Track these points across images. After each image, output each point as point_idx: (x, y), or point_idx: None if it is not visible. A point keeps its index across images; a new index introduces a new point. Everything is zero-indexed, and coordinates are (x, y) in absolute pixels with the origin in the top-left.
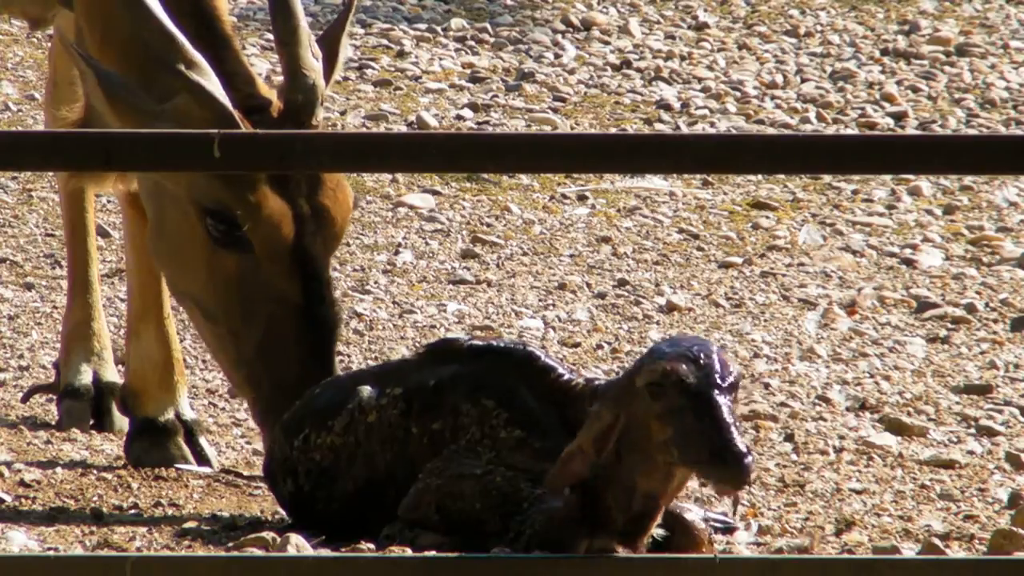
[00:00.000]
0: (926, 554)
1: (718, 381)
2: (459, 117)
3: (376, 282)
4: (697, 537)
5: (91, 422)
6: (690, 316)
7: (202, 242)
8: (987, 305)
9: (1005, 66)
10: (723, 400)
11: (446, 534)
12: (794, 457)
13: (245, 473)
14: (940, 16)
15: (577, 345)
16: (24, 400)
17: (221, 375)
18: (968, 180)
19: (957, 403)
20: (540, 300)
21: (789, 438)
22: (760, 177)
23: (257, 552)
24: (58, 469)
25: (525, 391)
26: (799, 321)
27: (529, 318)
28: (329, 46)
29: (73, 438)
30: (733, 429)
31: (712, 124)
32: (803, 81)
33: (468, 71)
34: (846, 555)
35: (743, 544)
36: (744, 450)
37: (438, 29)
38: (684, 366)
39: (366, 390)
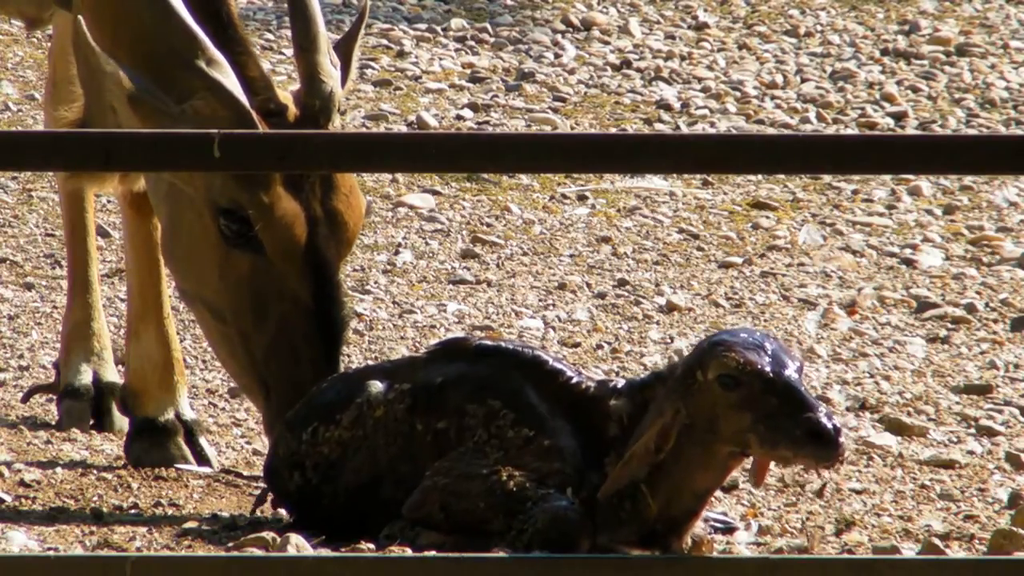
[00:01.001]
0: (926, 554)
1: (790, 364)
2: (459, 117)
3: (376, 282)
4: (697, 537)
5: (91, 422)
6: (690, 316)
7: (215, 243)
8: (987, 305)
9: (1005, 66)
10: (801, 381)
11: (450, 533)
12: None
13: (245, 473)
14: (940, 16)
15: (577, 345)
16: (24, 400)
17: (221, 375)
18: (968, 180)
19: (957, 403)
20: (540, 300)
21: None
22: (760, 177)
23: (257, 552)
24: (58, 469)
25: (532, 392)
26: (799, 321)
27: (529, 318)
28: (344, 53)
29: (73, 438)
30: (821, 407)
31: (712, 124)
32: (803, 81)
33: (468, 71)
34: (846, 555)
35: (743, 544)
36: (838, 426)
37: (438, 29)
38: (755, 354)
39: (376, 385)
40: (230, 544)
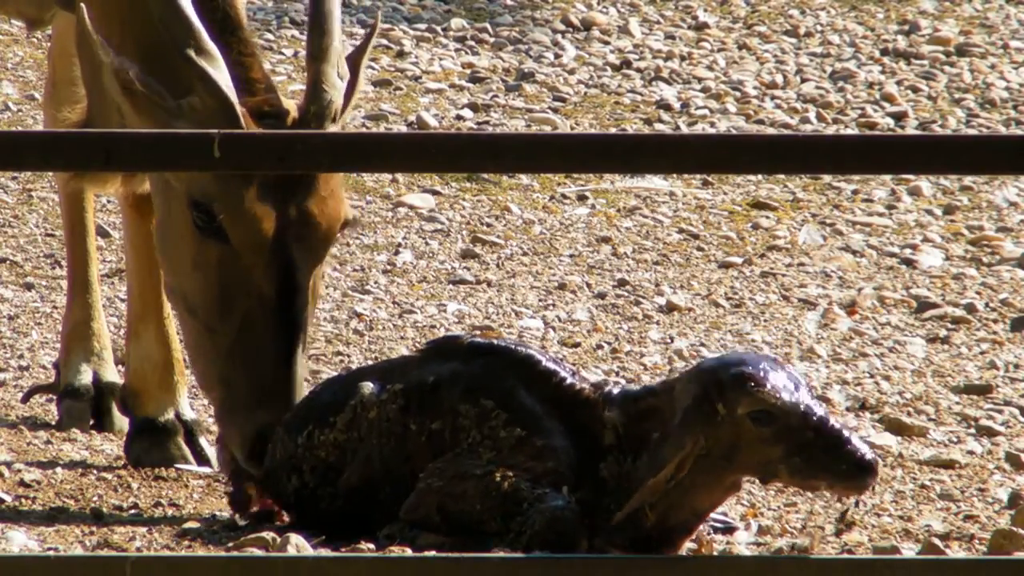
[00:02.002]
0: (926, 554)
1: (808, 392)
2: (459, 117)
3: (376, 282)
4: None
5: (91, 422)
6: (690, 316)
7: (191, 233)
8: (987, 305)
9: (1005, 66)
10: (826, 410)
11: (448, 535)
12: None
13: None
14: (940, 16)
15: (577, 345)
16: (24, 400)
17: None
18: (968, 180)
19: (957, 403)
20: (540, 300)
21: None
22: (760, 177)
23: (257, 552)
24: (58, 469)
25: (524, 392)
26: (799, 321)
27: (529, 318)
28: (353, 66)
29: (73, 438)
30: (852, 435)
31: (712, 124)
32: (803, 81)
33: (468, 71)
34: (846, 555)
35: (743, 544)
36: (873, 457)
37: (438, 29)
38: (784, 387)
39: (368, 386)
40: (230, 544)
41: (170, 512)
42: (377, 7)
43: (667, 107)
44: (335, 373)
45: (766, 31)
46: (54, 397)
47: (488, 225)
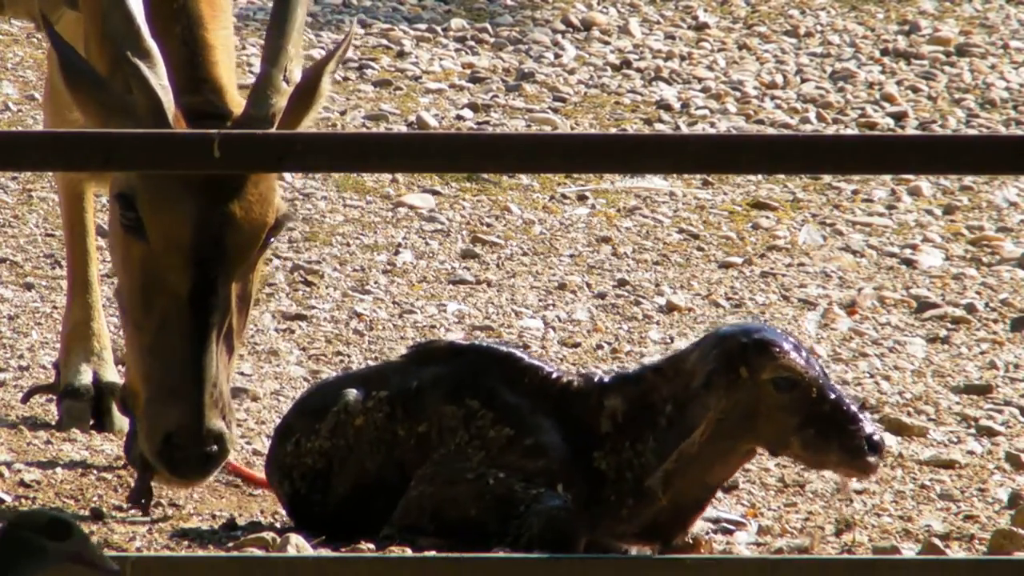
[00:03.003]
0: (926, 554)
1: (824, 371)
2: (459, 117)
3: (376, 282)
4: (695, 537)
5: (91, 422)
6: (690, 316)
7: (120, 229)
8: (987, 305)
9: (1005, 66)
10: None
11: (444, 539)
12: None
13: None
14: (940, 16)
15: (577, 345)
16: (24, 400)
17: None
18: (968, 180)
19: (957, 403)
20: (540, 300)
21: None
22: (760, 177)
23: (257, 552)
24: (58, 469)
25: (508, 390)
26: (799, 321)
27: (529, 318)
28: (315, 73)
29: (73, 438)
30: (867, 417)
31: (712, 124)
32: (803, 81)
33: (468, 71)
34: (846, 555)
35: (743, 544)
36: (882, 438)
37: (438, 29)
38: (806, 359)
39: (351, 393)
40: (230, 544)
41: (170, 512)
42: (377, 7)
43: (667, 107)
44: (335, 373)
45: (766, 31)
46: (54, 397)
47: (488, 225)
